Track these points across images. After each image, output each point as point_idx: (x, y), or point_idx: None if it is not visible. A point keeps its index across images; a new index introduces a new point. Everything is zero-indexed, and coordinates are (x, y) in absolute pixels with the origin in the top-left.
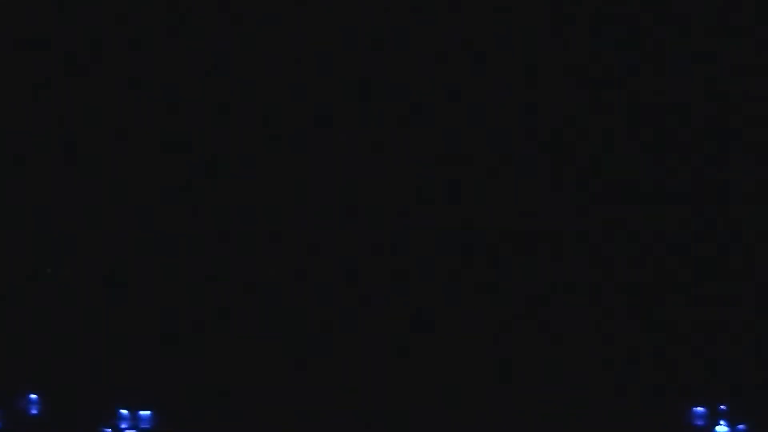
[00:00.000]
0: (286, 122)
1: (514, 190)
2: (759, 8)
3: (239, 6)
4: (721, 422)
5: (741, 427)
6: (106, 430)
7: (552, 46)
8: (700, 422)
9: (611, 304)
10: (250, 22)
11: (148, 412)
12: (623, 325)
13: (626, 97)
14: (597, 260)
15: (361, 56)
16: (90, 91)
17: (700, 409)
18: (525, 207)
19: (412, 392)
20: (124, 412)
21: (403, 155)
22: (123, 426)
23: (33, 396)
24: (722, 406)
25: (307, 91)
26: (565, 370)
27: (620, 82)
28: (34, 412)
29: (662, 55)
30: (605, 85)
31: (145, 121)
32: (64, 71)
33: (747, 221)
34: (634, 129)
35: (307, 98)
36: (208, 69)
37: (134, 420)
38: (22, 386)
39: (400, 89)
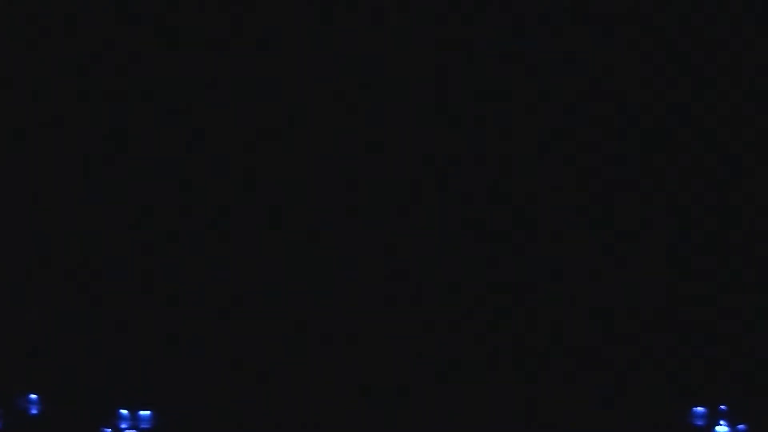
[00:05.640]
0: (286, 122)
1: (514, 189)
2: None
3: (239, 6)
4: (721, 422)
5: (741, 427)
6: (106, 430)
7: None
8: (700, 422)
9: (611, 304)
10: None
11: (148, 412)
12: (623, 325)
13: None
14: (597, 260)
15: (361, 56)
16: (89, 91)
17: (700, 409)
18: (525, 206)
19: (412, 392)
20: (124, 412)
21: (403, 155)
22: (123, 426)
23: (33, 396)
24: (722, 406)
25: (308, 91)
26: (565, 370)
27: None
28: (34, 412)
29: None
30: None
31: (144, 121)
32: (64, 71)
33: (747, 221)
34: (634, 129)
35: (306, 98)
36: (209, 70)
37: (134, 420)
38: (22, 386)
39: (399, 89)
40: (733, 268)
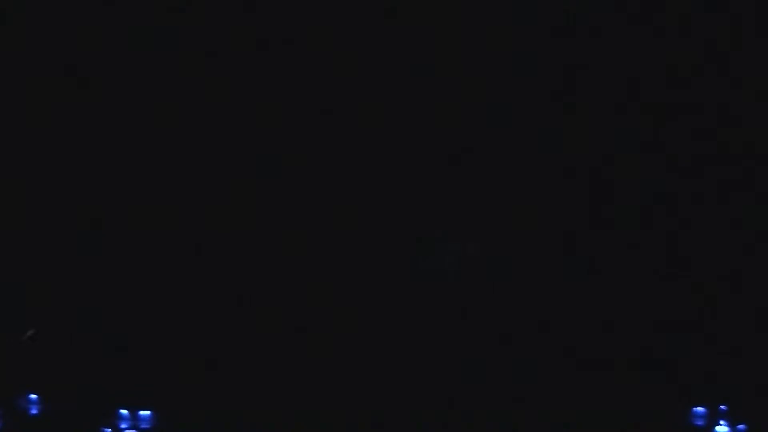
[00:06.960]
0: (286, 123)
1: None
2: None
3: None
4: (721, 422)
5: (741, 427)
6: (106, 430)
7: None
8: (700, 422)
9: (611, 304)
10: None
11: (148, 412)
12: (623, 325)
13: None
14: (597, 260)
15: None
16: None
17: (700, 409)
18: (525, 206)
19: (412, 393)
20: (124, 412)
21: (403, 155)
22: (123, 426)
23: (33, 396)
24: (722, 406)
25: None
26: (565, 370)
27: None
28: (34, 412)
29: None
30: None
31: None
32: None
33: (747, 221)
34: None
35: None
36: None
37: (134, 420)
38: (22, 386)
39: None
40: (732, 269)
